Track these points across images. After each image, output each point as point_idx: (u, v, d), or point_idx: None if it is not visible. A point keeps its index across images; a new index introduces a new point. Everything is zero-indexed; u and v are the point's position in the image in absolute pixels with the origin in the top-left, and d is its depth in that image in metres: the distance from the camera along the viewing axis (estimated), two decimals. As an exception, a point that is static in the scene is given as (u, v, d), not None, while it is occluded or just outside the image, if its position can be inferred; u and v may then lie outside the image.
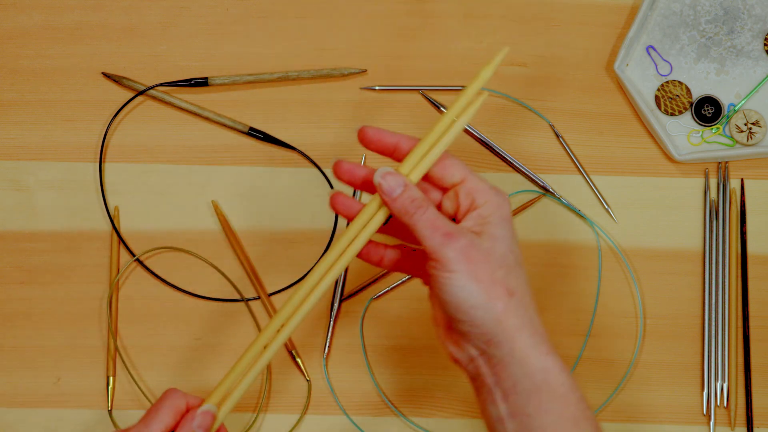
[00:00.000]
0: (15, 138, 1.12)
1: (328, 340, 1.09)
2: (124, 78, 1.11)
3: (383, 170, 0.89)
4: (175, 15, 1.13)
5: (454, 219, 0.91)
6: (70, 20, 1.13)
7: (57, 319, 1.09)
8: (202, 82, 1.11)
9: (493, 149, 1.11)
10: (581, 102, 1.12)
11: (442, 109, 1.11)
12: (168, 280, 1.09)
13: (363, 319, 1.09)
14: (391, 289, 1.10)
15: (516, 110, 1.12)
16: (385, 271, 1.09)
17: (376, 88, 1.12)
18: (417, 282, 1.10)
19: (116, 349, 1.08)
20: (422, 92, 1.12)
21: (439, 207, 0.92)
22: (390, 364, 1.09)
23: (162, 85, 1.11)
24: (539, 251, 1.10)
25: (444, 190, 0.92)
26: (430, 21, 1.13)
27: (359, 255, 0.92)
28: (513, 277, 0.88)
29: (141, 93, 1.11)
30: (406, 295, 1.10)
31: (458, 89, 1.12)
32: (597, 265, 1.10)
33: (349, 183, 0.92)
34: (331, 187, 1.11)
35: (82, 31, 1.13)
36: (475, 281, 0.87)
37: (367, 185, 0.92)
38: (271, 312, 1.09)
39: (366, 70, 1.12)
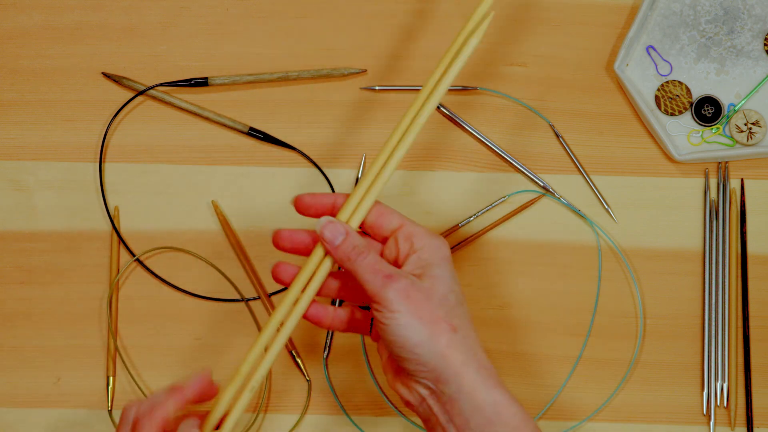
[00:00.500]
0: (15, 138, 1.11)
1: (329, 340, 1.09)
2: (124, 78, 1.11)
3: (324, 219, 0.92)
4: (175, 15, 1.13)
5: (397, 264, 0.93)
6: (70, 20, 1.13)
7: (57, 319, 1.09)
8: (202, 82, 1.11)
9: (493, 149, 1.11)
10: (581, 102, 1.12)
11: (442, 109, 1.11)
12: (168, 280, 1.09)
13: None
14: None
15: (516, 110, 1.12)
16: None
17: (376, 88, 1.12)
18: (417, 282, 1.10)
19: (116, 349, 1.08)
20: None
21: (381, 255, 0.94)
22: (390, 364, 1.09)
23: (162, 85, 1.11)
24: (539, 251, 1.10)
25: (384, 240, 0.94)
26: (430, 21, 1.13)
27: (309, 319, 0.94)
28: (455, 316, 0.91)
29: (141, 93, 1.11)
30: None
31: (458, 89, 1.12)
32: (597, 265, 1.10)
33: (292, 250, 0.95)
34: (332, 188, 1.11)
35: (82, 31, 1.13)
36: (417, 319, 0.89)
37: (310, 250, 0.94)
38: (270, 311, 1.09)
39: (366, 70, 1.12)
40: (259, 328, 1.09)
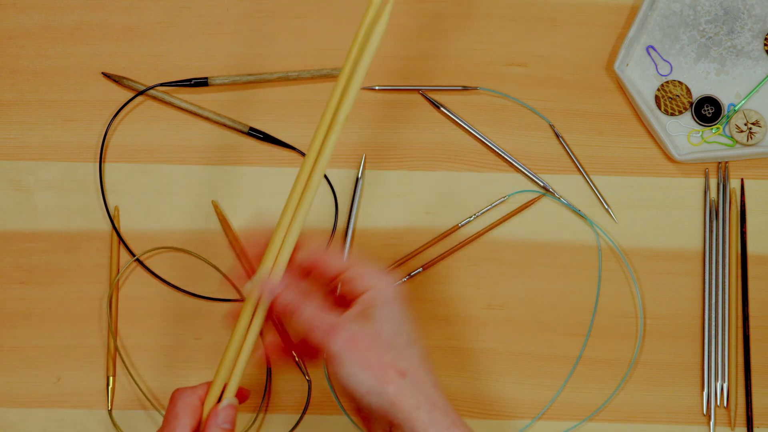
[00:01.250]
0: (15, 138, 1.11)
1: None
2: (124, 78, 1.11)
3: (249, 285, 0.92)
4: (175, 15, 1.13)
5: (345, 305, 0.93)
6: (70, 20, 1.13)
7: (57, 319, 1.09)
8: (202, 82, 1.11)
9: (493, 149, 1.11)
10: (581, 102, 1.12)
11: (442, 109, 1.11)
12: (168, 280, 1.09)
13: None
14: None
15: (516, 110, 1.12)
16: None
17: (376, 88, 1.12)
18: (417, 283, 1.10)
19: (116, 349, 1.08)
20: (422, 92, 1.12)
21: (330, 294, 0.94)
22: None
23: (162, 85, 1.11)
24: (539, 251, 1.10)
25: (332, 280, 0.94)
26: (430, 21, 1.13)
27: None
28: (404, 358, 0.90)
29: (141, 93, 1.11)
30: (408, 295, 1.10)
31: (458, 89, 1.12)
32: (597, 265, 1.10)
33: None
34: (332, 189, 1.11)
35: (82, 31, 1.13)
36: (364, 368, 0.89)
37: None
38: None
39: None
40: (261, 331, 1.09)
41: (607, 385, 1.09)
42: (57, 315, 1.09)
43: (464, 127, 1.11)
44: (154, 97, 1.12)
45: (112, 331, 1.08)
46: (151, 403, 1.08)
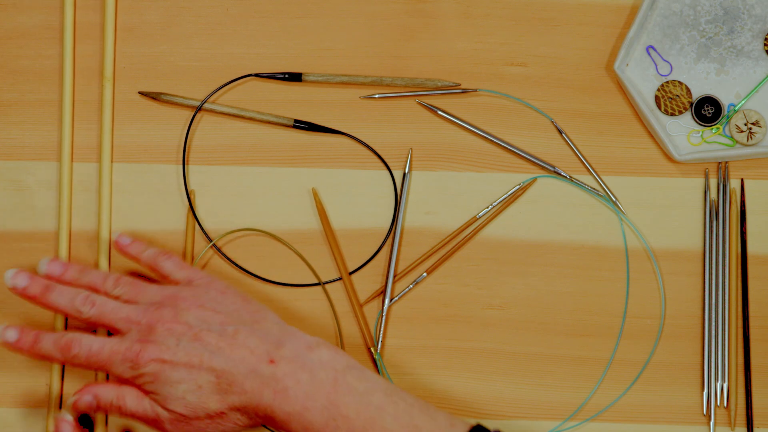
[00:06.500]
0: (15, 138, 1.11)
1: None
2: (162, 93, 1.11)
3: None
4: (175, 15, 1.13)
5: None
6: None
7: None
8: (295, 77, 1.11)
9: (501, 145, 1.11)
10: (581, 102, 1.12)
11: (440, 113, 1.11)
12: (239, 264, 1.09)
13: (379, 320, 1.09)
14: (404, 293, 1.10)
15: (516, 110, 1.12)
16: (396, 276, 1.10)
17: (376, 96, 1.12)
18: (418, 284, 1.10)
19: None
20: (418, 101, 1.12)
21: None
22: (390, 364, 1.09)
23: (257, 75, 1.11)
24: (539, 251, 1.10)
25: None
26: (430, 21, 1.13)
27: None
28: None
29: (235, 81, 1.11)
30: (408, 295, 1.10)
31: (458, 92, 1.12)
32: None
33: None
34: (395, 186, 1.11)
35: (82, 31, 1.13)
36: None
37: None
38: (351, 292, 1.09)
39: (459, 84, 1.12)
40: (335, 312, 1.09)
41: (608, 385, 1.09)
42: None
43: (464, 127, 1.11)
44: (210, 110, 1.12)
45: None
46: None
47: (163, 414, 0.97)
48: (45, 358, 1.00)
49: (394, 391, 0.95)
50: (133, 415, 0.98)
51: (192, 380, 0.96)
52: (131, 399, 0.98)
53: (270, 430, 1.05)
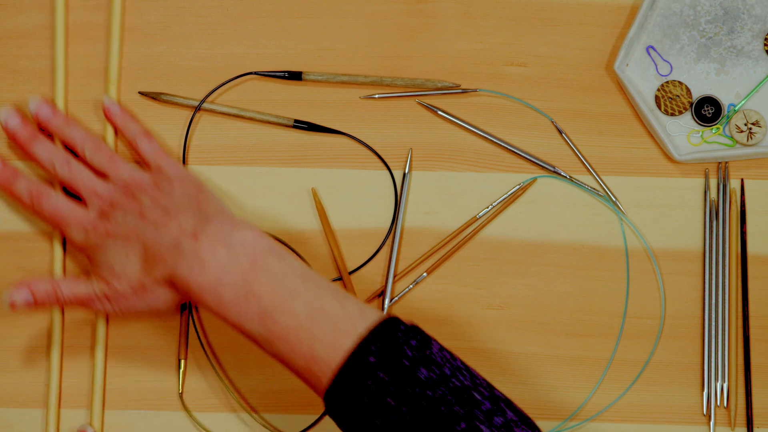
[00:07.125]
0: (15, 138, 1.12)
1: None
2: (162, 93, 1.11)
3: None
4: (175, 15, 1.13)
5: None
6: (70, 20, 1.13)
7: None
8: (295, 75, 1.11)
9: (501, 145, 1.11)
10: (581, 102, 1.12)
11: (440, 113, 1.11)
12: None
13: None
14: (405, 293, 1.10)
15: (516, 111, 1.12)
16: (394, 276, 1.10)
17: (376, 96, 1.12)
18: (418, 284, 1.10)
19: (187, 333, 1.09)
20: (418, 101, 1.12)
21: None
22: (390, 364, 1.09)
23: (255, 73, 1.11)
24: (539, 251, 1.10)
25: None
26: (430, 21, 1.13)
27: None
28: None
29: (236, 77, 1.11)
30: (407, 295, 1.10)
31: (457, 92, 1.12)
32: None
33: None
34: (395, 186, 1.11)
35: (82, 31, 1.13)
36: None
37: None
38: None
39: (459, 84, 1.12)
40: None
41: (608, 385, 1.09)
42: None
43: (464, 127, 1.11)
44: (207, 110, 1.12)
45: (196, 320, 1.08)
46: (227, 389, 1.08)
47: (98, 288, 1.01)
48: (13, 197, 1.05)
49: (310, 276, 0.97)
50: (71, 301, 1.02)
51: (123, 250, 1.01)
52: (66, 285, 1.02)
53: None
